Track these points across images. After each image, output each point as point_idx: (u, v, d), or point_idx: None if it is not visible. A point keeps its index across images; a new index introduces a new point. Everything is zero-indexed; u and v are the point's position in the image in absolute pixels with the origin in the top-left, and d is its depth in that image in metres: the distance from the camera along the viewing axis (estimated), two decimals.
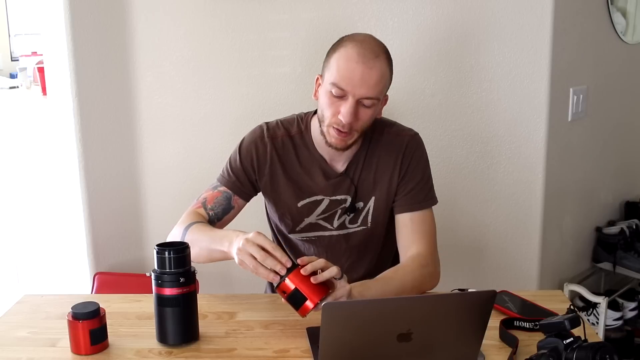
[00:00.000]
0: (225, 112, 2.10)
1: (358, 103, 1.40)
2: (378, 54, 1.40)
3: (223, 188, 1.54)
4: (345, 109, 1.39)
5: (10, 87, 3.56)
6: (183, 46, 2.07)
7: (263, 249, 1.23)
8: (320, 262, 1.23)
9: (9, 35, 4.64)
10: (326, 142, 1.46)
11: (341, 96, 1.39)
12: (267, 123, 1.57)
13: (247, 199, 1.56)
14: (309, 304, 1.21)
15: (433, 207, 1.55)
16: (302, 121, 1.56)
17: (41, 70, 2.65)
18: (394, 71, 1.47)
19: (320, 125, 1.47)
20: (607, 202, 2.64)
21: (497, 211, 2.17)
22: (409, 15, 2.03)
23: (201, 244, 1.39)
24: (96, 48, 2.04)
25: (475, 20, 2.04)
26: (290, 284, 1.21)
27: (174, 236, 1.46)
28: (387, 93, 1.49)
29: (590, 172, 2.45)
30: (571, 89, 2.19)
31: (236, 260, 1.27)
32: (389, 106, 1.50)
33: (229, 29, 2.05)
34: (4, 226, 2.74)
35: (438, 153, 2.11)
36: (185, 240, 1.39)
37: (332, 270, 1.23)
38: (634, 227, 2.53)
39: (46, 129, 2.36)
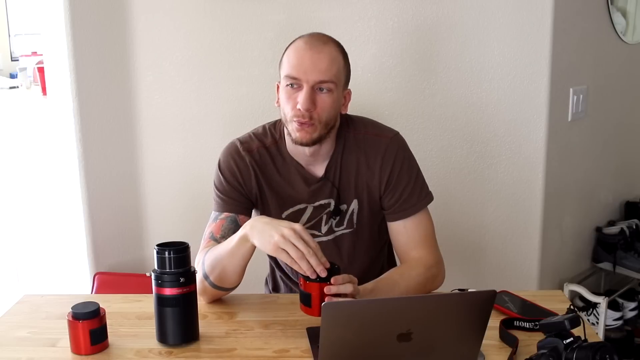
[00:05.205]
0: (225, 112, 2.09)
1: (314, 90, 1.39)
2: (326, 41, 1.42)
3: (224, 214, 1.49)
4: (301, 97, 1.38)
5: (10, 87, 3.56)
6: (183, 46, 2.07)
7: (307, 245, 1.22)
8: (348, 288, 1.23)
9: (9, 35, 4.64)
10: (293, 140, 1.44)
11: (297, 87, 1.40)
12: (238, 138, 1.54)
13: (249, 214, 1.53)
14: (311, 312, 1.23)
15: (431, 204, 1.52)
16: (275, 129, 1.54)
17: (41, 70, 2.65)
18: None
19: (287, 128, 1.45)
20: (607, 202, 2.64)
21: (497, 211, 2.17)
22: (409, 15, 2.03)
23: (221, 254, 1.34)
24: (96, 48, 2.04)
25: (475, 20, 2.04)
26: (311, 287, 1.22)
27: (199, 268, 1.39)
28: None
29: (590, 172, 2.45)
30: (571, 89, 2.19)
31: (269, 244, 1.23)
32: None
33: (229, 29, 2.05)
34: (4, 226, 2.74)
35: (438, 153, 2.11)
36: (208, 268, 1.36)
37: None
38: (634, 227, 2.53)
39: (46, 129, 2.36)
